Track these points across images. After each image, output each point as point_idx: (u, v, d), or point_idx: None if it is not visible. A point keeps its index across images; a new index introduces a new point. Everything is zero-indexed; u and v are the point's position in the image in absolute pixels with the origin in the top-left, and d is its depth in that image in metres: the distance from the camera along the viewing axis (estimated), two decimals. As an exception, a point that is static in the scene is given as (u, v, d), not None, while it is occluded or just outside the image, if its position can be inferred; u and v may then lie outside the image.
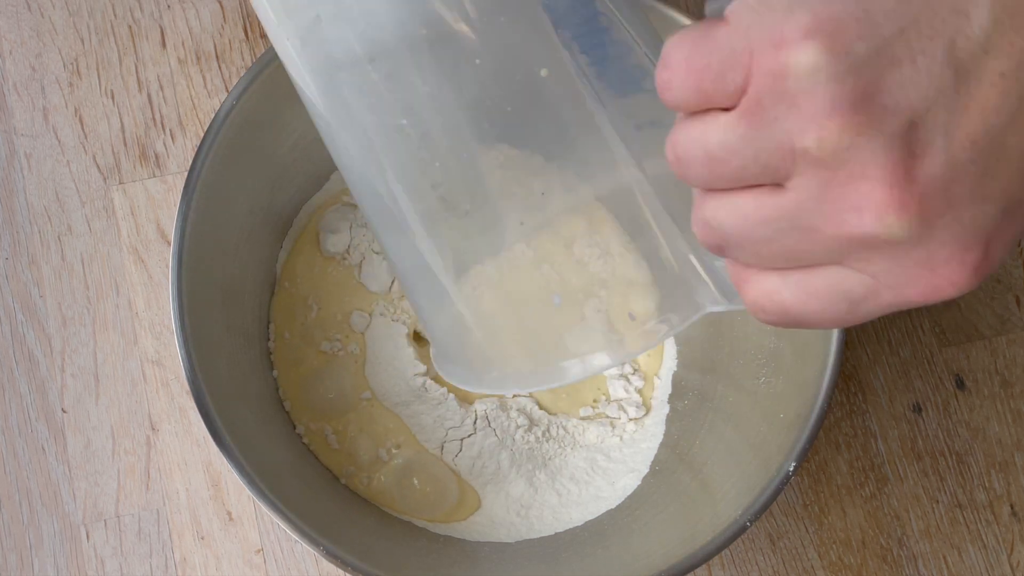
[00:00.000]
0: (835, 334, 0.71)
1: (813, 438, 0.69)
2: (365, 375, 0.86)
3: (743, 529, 0.68)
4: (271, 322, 0.86)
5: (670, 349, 0.89)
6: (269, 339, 0.86)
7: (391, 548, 0.78)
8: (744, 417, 0.79)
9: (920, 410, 0.92)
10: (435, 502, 0.84)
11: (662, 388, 0.88)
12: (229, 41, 0.96)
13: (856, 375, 0.93)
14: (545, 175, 0.58)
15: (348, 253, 0.88)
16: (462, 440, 0.85)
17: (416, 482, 0.84)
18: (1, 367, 0.89)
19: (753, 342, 0.80)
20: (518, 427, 0.85)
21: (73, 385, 0.89)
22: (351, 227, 0.88)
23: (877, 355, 0.93)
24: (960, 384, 0.93)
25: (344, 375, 0.86)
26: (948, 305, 0.95)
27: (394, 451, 0.85)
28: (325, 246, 0.88)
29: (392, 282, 0.88)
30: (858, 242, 0.40)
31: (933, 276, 0.41)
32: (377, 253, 0.88)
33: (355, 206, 0.89)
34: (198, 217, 0.71)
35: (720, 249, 0.45)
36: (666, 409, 0.87)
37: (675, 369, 0.89)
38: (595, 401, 0.88)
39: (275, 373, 0.85)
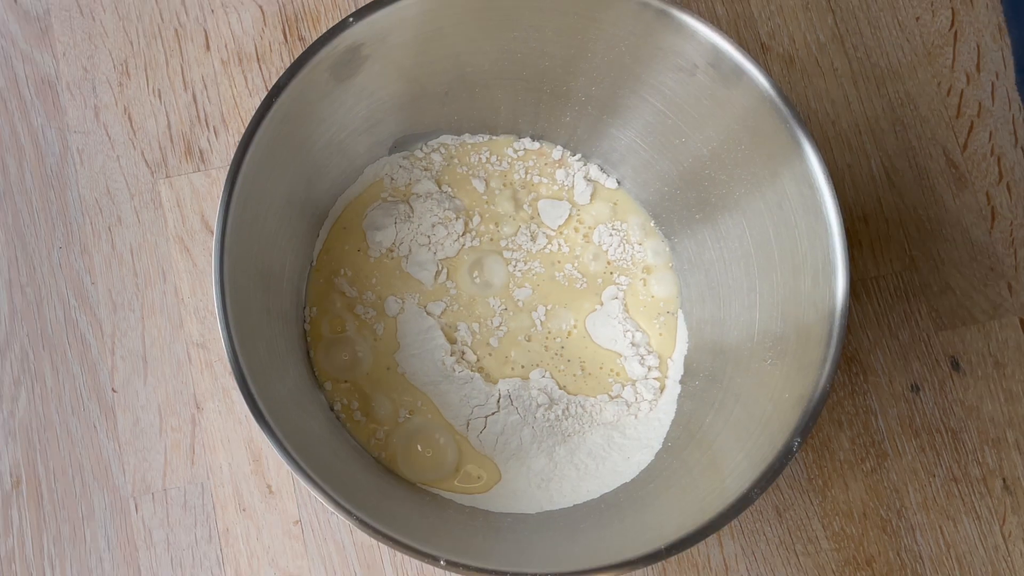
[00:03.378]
0: (837, 319, 0.71)
1: (816, 416, 0.69)
2: (394, 357, 0.87)
3: (750, 501, 0.68)
4: (307, 306, 0.87)
5: (682, 332, 0.89)
6: (305, 321, 0.86)
7: (420, 519, 0.79)
8: (751, 397, 0.79)
9: (918, 390, 0.92)
10: (433, 466, 0.84)
11: (674, 369, 0.88)
12: (269, 44, 0.96)
13: (858, 357, 0.93)
14: None
15: (395, 246, 0.89)
16: (487, 417, 0.85)
17: (419, 446, 0.84)
18: (55, 350, 0.90)
19: (759, 327, 0.80)
20: (539, 405, 0.85)
21: (122, 367, 0.90)
22: (395, 222, 0.89)
23: (877, 338, 0.93)
24: (955, 366, 0.93)
25: (360, 342, 0.87)
26: (944, 291, 0.95)
27: (408, 416, 0.85)
28: (372, 241, 0.88)
29: (437, 273, 0.89)
30: None
31: None
32: (423, 245, 0.89)
33: (397, 202, 0.89)
34: (239, 208, 0.71)
35: None
36: (678, 389, 0.87)
37: (686, 352, 0.89)
38: (613, 385, 0.88)
39: (312, 354, 0.86)
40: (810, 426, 0.69)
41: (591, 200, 0.92)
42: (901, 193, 0.97)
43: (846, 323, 0.71)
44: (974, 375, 0.93)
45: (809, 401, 0.70)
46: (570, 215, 0.92)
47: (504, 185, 0.92)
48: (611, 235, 0.91)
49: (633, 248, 0.92)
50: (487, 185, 0.92)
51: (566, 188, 0.92)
